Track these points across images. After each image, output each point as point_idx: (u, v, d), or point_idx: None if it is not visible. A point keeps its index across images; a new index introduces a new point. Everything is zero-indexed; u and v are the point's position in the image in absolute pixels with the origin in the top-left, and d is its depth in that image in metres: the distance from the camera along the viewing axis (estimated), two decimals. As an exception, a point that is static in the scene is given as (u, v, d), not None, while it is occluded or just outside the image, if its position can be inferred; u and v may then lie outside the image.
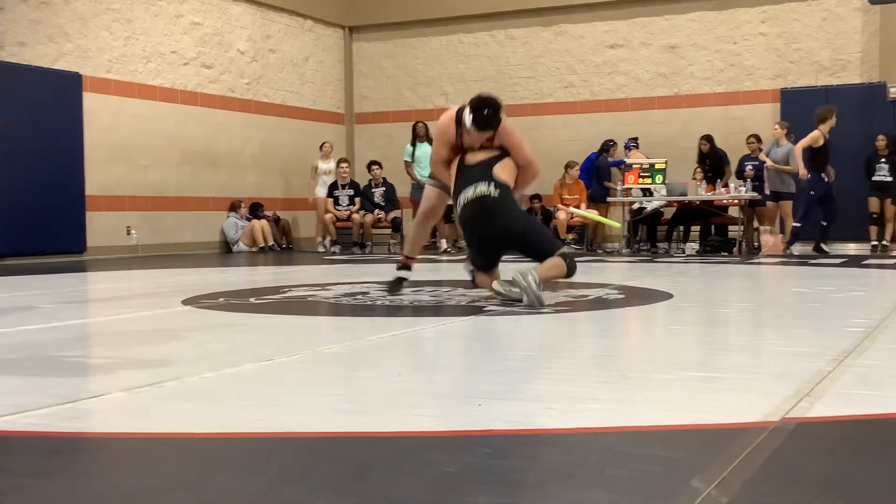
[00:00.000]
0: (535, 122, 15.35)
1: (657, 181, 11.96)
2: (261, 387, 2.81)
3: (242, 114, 14.59)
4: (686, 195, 12.03)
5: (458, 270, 6.46)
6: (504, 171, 5.26)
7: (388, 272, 6.14)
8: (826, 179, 11.15)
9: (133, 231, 12.75)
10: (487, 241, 5.22)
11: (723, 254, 11.43)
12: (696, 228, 12.57)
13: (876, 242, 12.03)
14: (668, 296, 5.66)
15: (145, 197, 12.98)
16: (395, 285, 5.77)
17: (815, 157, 11.10)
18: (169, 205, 13.35)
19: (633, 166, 12.20)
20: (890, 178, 12.12)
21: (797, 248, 11.25)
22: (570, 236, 13.15)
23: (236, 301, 5.57)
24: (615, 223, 9.82)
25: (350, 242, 13.73)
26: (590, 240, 12.76)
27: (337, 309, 5.24)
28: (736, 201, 11.87)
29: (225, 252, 13.70)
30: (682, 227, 12.70)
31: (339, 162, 14.16)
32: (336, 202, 13.95)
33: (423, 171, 13.26)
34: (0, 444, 2.18)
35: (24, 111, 11.25)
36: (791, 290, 6.69)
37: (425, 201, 5.76)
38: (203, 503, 1.71)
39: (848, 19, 13.85)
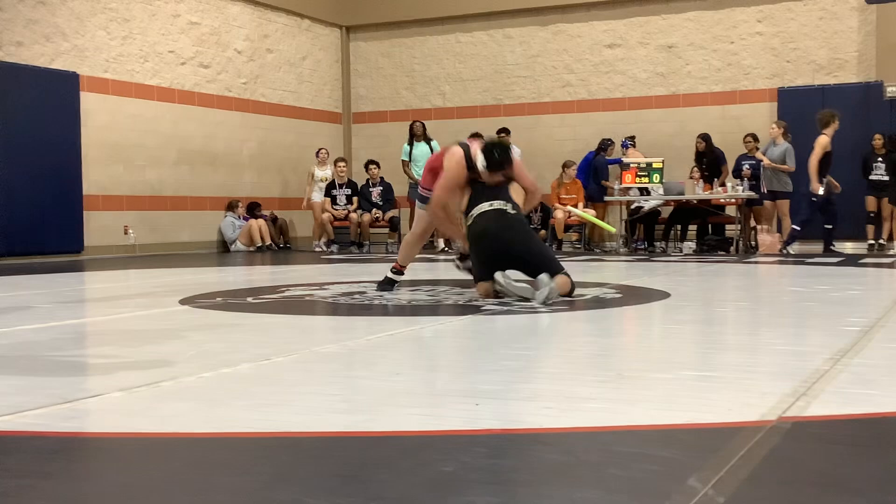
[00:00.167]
0: (533, 122, 15.36)
1: (654, 180, 11.97)
2: (258, 386, 2.81)
3: (240, 113, 14.58)
4: (683, 194, 12.04)
5: (456, 270, 6.46)
6: (516, 194, 5.68)
7: (386, 271, 6.19)
8: (831, 189, 11.17)
9: (130, 231, 12.74)
10: (503, 256, 5.33)
11: (720, 253, 11.44)
12: (693, 228, 12.58)
13: (873, 241, 12.05)
14: (666, 295, 5.67)
15: (143, 196, 12.98)
16: (386, 285, 6.00)
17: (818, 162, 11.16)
18: (166, 204, 13.34)
19: (631, 165, 12.21)
20: (887, 177, 12.13)
21: (794, 248, 11.27)
22: (574, 236, 13.16)
23: (234, 301, 5.57)
24: (611, 228, 9.83)
25: (347, 242, 13.73)
26: (587, 239, 12.77)
27: (334, 308, 5.24)
28: (733, 200, 11.89)
29: (222, 252, 13.70)
30: (679, 227, 12.71)
31: (336, 161, 14.16)
32: (333, 202, 13.95)
33: (419, 171, 13.27)
34: (-3, 444, 2.18)
35: (22, 111, 11.24)
36: (788, 290, 6.69)
37: (422, 222, 5.95)
38: (200, 502, 1.71)
39: (844, 18, 13.87)
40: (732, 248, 11.66)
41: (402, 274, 6.07)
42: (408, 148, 13.30)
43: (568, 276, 5.38)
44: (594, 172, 13.23)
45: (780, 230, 11.86)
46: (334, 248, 13.67)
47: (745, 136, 12.46)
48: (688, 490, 1.68)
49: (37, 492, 1.76)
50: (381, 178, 13.99)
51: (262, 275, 8.84)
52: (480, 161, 5.50)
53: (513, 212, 5.50)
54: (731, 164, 12.51)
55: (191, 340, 3.91)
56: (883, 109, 13.16)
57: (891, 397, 2.59)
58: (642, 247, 12.48)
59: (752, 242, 12.04)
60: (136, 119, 12.80)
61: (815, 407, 2.40)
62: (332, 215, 13.85)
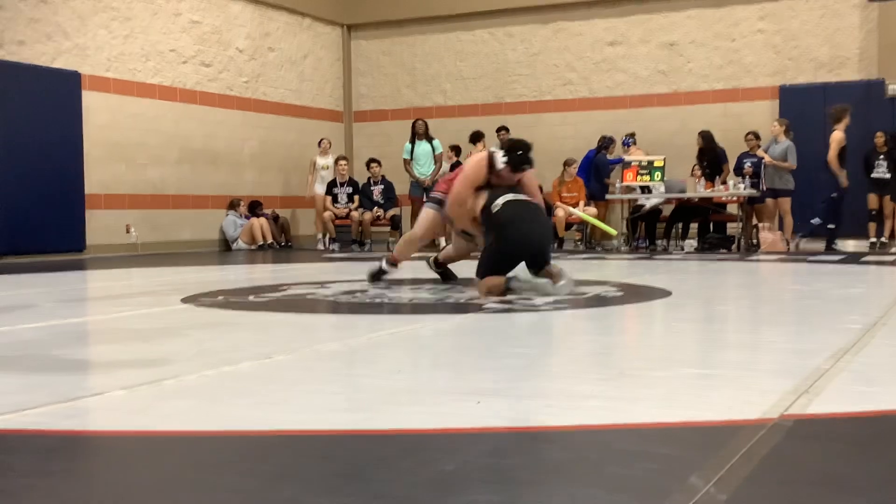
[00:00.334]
0: (534, 120, 15.35)
1: (656, 178, 11.96)
2: (260, 385, 2.81)
3: (241, 112, 14.58)
4: (685, 192, 12.03)
5: (457, 268, 6.47)
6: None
7: (381, 262, 6.32)
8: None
9: (132, 229, 12.75)
10: (530, 247, 5.29)
11: (721, 251, 11.43)
12: (694, 226, 12.57)
13: (875, 239, 12.04)
14: (667, 293, 5.66)
15: (144, 195, 12.98)
16: (377, 276, 6.17)
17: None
18: (168, 203, 13.35)
19: (632, 164, 12.20)
20: (888, 175, 12.12)
21: (804, 243, 11.31)
22: (577, 235, 13.15)
23: (235, 299, 5.58)
24: (612, 231, 9.83)
25: (349, 240, 13.73)
26: (588, 237, 12.76)
27: (336, 307, 5.24)
28: (734, 198, 11.88)
29: (224, 250, 13.70)
30: (680, 225, 12.70)
31: (337, 159, 14.16)
32: (335, 200, 13.95)
33: (421, 169, 13.28)
34: (0, 442, 2.19)
35: (23, 110, 11.24)
36: (789, 288, 6.69)
37: (429, 227, 6.02)
38: (202, 501, 1.71)
39: (846, 16, 13.85)
40: (734, 247, 11.65)
41: (396, 267, 6.18)
42: (409, 146, 13.30)
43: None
44: (595, 171, 13.21)
45: (781, 228, 11.86)
46: (335, 246, 13.67)
47: (747, 134, 12.44)
48: (689, 488, 1.68)
49: (38, 490, 1.76)
50: (383, 176, 13.99)
51: (264, 273, 8.84)
52: (500, 158, 5.51)
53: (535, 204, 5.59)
54: (732, 162, 12.50)
55: (192, 339, 3.91)
56: (884, 107, 13.15)
57: (892, 395, 2.59)
58: (644, 245, 12.47)
59: (754, 240, 12.04)
60: (137, 118, 12.81)
61: (816, 405, 2.40)
62: (334, 213, 13.86)
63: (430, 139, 13.29)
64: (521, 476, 1.80)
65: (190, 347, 3.65)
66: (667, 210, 12.77)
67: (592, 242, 12.78)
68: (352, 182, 14.12)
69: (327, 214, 13.86)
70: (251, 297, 5.62)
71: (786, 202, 11.76)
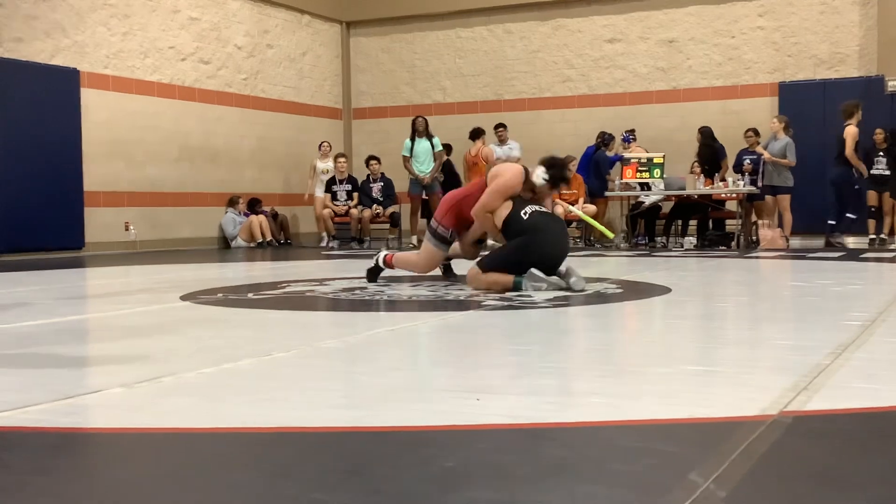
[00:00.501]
0: (533, 117, 15.34)
1: (655, 175, 11.96)
2: (259, 382, 2.81)
3: (240, 109, 14.57)
4: (684, 189, 12.03)
5: (459, 267, 6.46)
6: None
7: (378, 259, 6.38)
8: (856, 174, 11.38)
9: (131, 227, 12.75)
10: (551, 259, 5.48)
11: (721, 248, 11.44)
12: (694, 223, 12.57)
13: (874, 236, 12.04)
14: (667, 290, 5.67)
15: (143, 193, 12.97)
16: (374, 272, 6.30)
17: (841, 153, 11.24)
18: (167, 200, 13.34)
19: (632, 161, 12.20)
20: (888, 172, 12.12)
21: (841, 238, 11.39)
22: (576, 232, 13.14)
23: (234, 296, 5.57)
24: (610, 234, 9.83)
25: (348, 238, 13.73)
26: (588, 234, 12.76)
27: (335, 304, 5.24)
28: (734, 195, 11.87)
29: (223, 248, 13.70)
30: (680, 222, 12.70)
31: (336, 157, 14.16)
32: (334, 197, 13.95)
33: (420, 167, 13.27)
34: (-2, 440, 2.18)
35: (22, 107, 11.23)
36: (789, 284, 6.69)
37: (430, 263, 6.15)
38: (201, 498, 1.71)
39: (845, 13, 13.85)
40: (733, 243, 11.65)
41: (392, 269, 6.32)
42: (409, 143, 13.29)
43: None
44: (595, 167, 13.20)
45: (780, 225, 11.86)
46: (335, 244, 13.67)
47: (746, 131, 12.45)
48: (689, 485, 1.68)
49: (37, 488, 1.76)
50: (382, 173, 13.99)
51: (263, 271, 8.84)
52: (541, 174, 5.71)
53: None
54: (731, 159, 12.50)
55: (191, 336, 3.91)
56: (884, 104, 13.14)
57: (892, 392, 2.59)
58: (643, 242, 12.47)
59: (753, 237, 12.04)
60: (136, 115, 12.80)
61: (815, 401, 2.40)
62: (333, 211, 13.85)
63: (429, 136, 13.28)
64: (522, 473, 1.80)
65: (189, 345, 3.64)
66: (666, 207, 12.77)
67: (591, 240, 12.78)
68: (351, 179, 14.12)
69: (326, 212, 13.86)
70: (250, 295, 5.62)
71: (785, 199, 11.77)
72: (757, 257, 9.56)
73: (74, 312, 5.03)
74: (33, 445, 2.10)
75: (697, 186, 12.01)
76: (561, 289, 5.34)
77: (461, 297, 5.20)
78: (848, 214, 11.49)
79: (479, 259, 5.83)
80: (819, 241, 11.64)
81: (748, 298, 5.73)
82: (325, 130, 15.98)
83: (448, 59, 16.10)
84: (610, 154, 13.23)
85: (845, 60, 13.85)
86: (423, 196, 13.36)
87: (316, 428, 2.22)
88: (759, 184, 11.79)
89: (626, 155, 12.56)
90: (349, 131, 16.84)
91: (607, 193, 12.82)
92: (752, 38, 14.30)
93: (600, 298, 5.22)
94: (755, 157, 12.01)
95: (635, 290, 5.74)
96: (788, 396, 2.42)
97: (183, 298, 5.43)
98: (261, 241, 13.66)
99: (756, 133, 12.35)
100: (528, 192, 5.76)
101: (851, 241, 11.92)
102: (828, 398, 2.46)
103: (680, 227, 12.69)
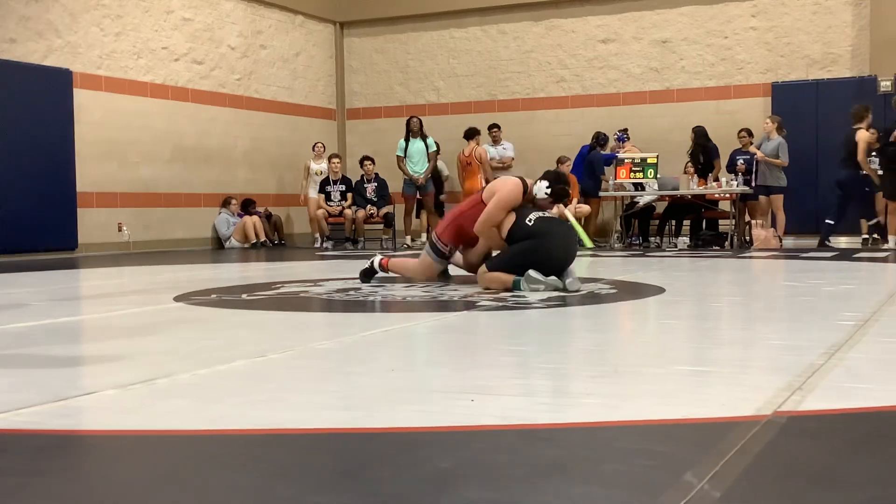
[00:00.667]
0: (527, 117, 15.35)
1: (649, 175, 11.97)
2: (253, 383, 2.80)
3: (233, 109, 14.55)
4: (678, 189, 12.04)
5: (454, 268, 6.47)
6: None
7: (374, 260, 6.41)
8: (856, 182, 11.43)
9: (125, 228, 12.72)
10: (557, 263, 5.53)
11: (714, 248, 11.46)
12: (687, 223, 12.58)
13: (867, 236, 12.07)
14: (661, 290, 5.67)
15: (137, 193, 12.94)
16: (368, 274, 6.35)
17: (849, 155, 11.26)
18: (160, 201, 13.32)
19: (625, 161, 12.21)
20: (881, 172, 12.15)
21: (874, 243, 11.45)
22: None
23: (228, 297, 5.57)
24: (589, 242, 9.83)
25: (342, 238, 13.72)
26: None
27: (329, 305, 5.23)
28: (727, 195, 11.90)
29: (217, 248, 13.68)
30: (673, 222, 12.71)
31: (330, 157, 14.15)
32: (328, 198, 13.94)
33: (415, 167, 13.27)
34: (-8, 442, 2.18)
35: (15, 108, 11.20)
36: (782, 284, 6.71)
37: (426, 274, 6.24)
38: (197, 500, 1.71)
39: (838, 13, 13.88)
40: (727, 243, 11.67)
41: (387, 272, 6.38)
42: (403, 144, 13.29)
43: None
44: (589, 167, 13.21)
45: (774, 225, 11.89)
46: (329, 244, 13.66)
47: (740, 131, 12.47)
48: (684, 485, 1.69)
49: (30, 490, 1.75)
50: (376, 174, 13.98)
51: (257, 271, 8.83)
52: (543, 188, 5.84)
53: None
54: (725, 159, 12.52)
55: (185, 337, 3.90)
56: (876, 104, 13.16)
57: (885, 391, 2.60)
58: (637, 242, 12.49)
59: (747, 237, 12.06)
60: (129, 116, 12.77)
61: (809, 401, 2.40)
62: (327, 211, 13.84)
63: (424, 137, 13.28)
64: (517, 473, 1.80)
65: (183, 346, 3.64)
66: (660, 207, 12.79)
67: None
68: (345, 180, 14.12)
69: (320, 212, 13.85)
70: (244, 296, 5.61)
71: (778, 199, 11.79)
72: (750, 257, 9.57)
73: (68, 313, 5.02)
74: (26, 447, 2.09)
75: (691, 186, 12.03)
76: (557, 289, 5.36)
77: (456, 298, 5.20)
78: (828, 220, 11.45)
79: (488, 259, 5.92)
80: (812, 241, 11.65)
81: (742, 298, 5.74)
82: (319, 131, 15.96)
83: (442, 59, 16.10)
84: (604, 153, 13.25)
85: (838, 61, 13.88)
86: (417, 196, 13.37)
87: (311, 429, 2.22)
88: (753, 184, 11.81)
89: (620, 155, 12.57)
90: (343, 132, 16.83)
91: (601, 193, 12.83)
92: (745, 39, 14.32)
93: (594, 299, 5.22)
94: (748, 157, 12.03)
95: (629, 291, 5.75)
96: (783, 396, 2.43)
97: (177, 299, 5.42)
98: (255, 241, 13.65)
99: (749, 133, 12.37)
100: (527, 203, 5.88)
101: (844, 241, 11.94)
102: (822, 398, 2.46)
103: (673, 227, 12.71)
